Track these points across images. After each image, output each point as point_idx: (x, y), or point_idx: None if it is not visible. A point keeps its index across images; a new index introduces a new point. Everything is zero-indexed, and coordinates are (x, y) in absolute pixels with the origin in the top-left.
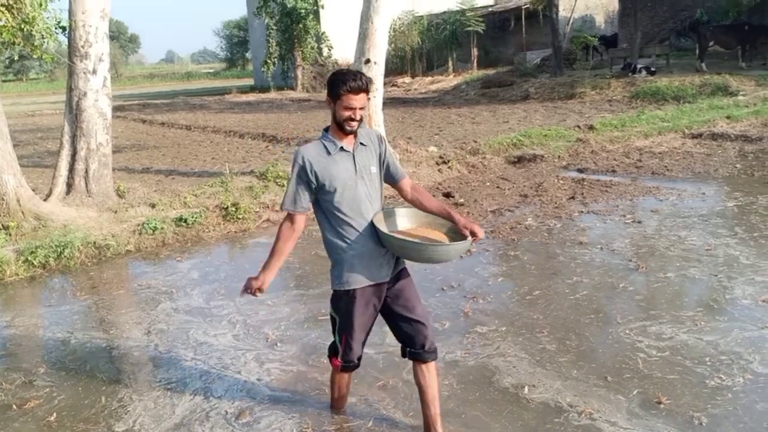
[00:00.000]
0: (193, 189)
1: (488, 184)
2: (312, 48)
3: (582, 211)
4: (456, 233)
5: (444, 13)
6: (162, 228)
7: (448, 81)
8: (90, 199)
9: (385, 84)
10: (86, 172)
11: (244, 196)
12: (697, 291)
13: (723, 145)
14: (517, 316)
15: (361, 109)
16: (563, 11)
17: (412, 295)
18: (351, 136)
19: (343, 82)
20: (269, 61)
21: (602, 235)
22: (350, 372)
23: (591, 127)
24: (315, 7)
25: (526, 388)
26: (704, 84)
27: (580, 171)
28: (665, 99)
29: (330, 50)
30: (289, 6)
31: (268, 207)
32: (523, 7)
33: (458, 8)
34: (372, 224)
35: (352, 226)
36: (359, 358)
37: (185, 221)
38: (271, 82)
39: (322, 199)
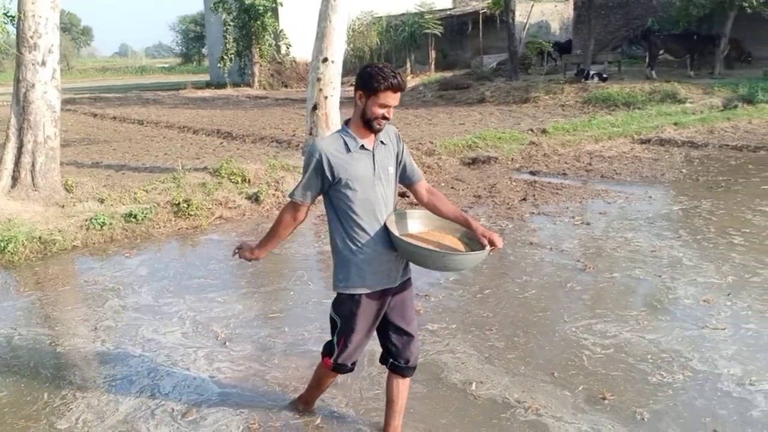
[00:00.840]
0: (144, 184)
1: (443, 184)
2: (270, 45)
3: (533, 213)
4: (471, 239)
5: (403, 14)
6: (110, 223)
7: (407, 82)
8: (36, 194)
9: (342, 83)
10: (33, 165)
11: (197, 193)
12: (642, 291)
13: (670, 150)
14: (468, 314)
15: (393, 108)
16: (519, 17)
17: (411, 307)
18: (373, 135)
19: (384, 78)
20: (226, 57)
21: (552, 236)
22: (340, 373)
23: (544, 131)
24: (273, 5)
25: (474, 385)
26: (654, 91)
27: (532, 173)
28: (616, 105)
29: (288, 48)
30: (247, 2)
31: (221, 204)
32: (481, 12)
33: (417, 10)
34: (384, 227)
35: (364, 228)
36: (354, 363)
37: (135, 217)
38: (228, 79)
39: (335, 197)
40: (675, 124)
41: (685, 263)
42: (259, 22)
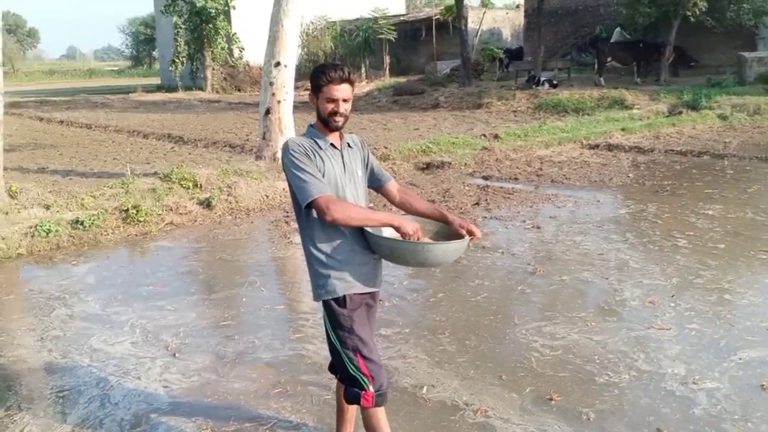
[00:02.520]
0: (92, 190)
1: None
2: (222, 48)
3: (486, 217)
4: (447, 237)
5: (357, 19)
6: (56, 230)
7: (361, 87)
8: None
9: (297, 88)
10: None
11: (146, 198)
12: (590, 293)
13: (618, 155)
14: (421, 318)
15: (345, 101)
16: (472, 23)
17: (373, 320)
18: (337, 134)
19: (323, 73)
20: (177, 61)
21: (504, 240)
22: (385, 403)
23: (496, 136)
24: (226, 8)
25: (425, 388)
26: (602, 97)
27: (485, 178)
28: (566, 111)
29: (241, 51)
30: (198, 5)
31: (171, 209)
32: (434, 18)
33: (371, 15)
34: (360, 229)
35: (339, 230)
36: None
37: (82, 223)
38: (179, 82)
39: None
40: (622, 129)
41: (632, 266)
42: (211, 26)
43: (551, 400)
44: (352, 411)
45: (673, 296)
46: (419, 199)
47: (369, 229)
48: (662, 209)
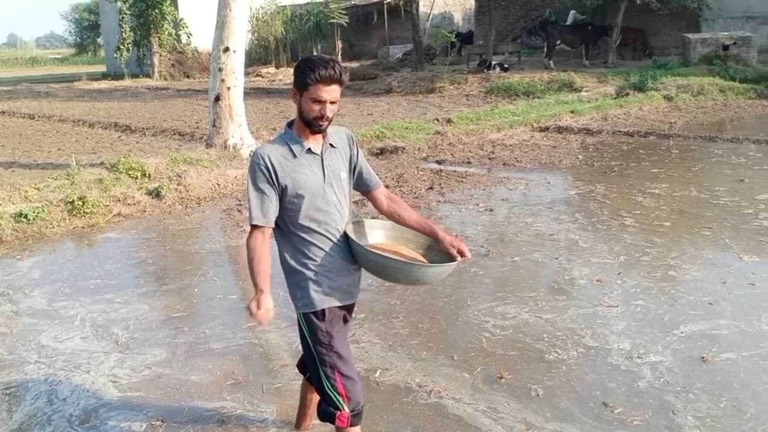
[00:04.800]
0: (36, 182)
1: None
2: (169, 34)
3: (440, 201)
4: (428, 249)
5: (308, 3)
6: None
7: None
8: None
9: (248, 74)
10: None
11: (93, 190)
12: (541, 273)
13: (567, 137)
14: (376, 302)
15: (332, 103)
16: (423, 7)
17: (349, 325)
18: (319, 136)
19: (311, 70)
20: (123, 48)
21: (458, 223)
22: (361, 421)
23: (449, 121)
24: None
25: (378, 372)
26: (552, 80)
27: (438, 162)
28: (517, 94)
29: (189, 37)
30: None
31: (119, 200)
32: (385, 2)
33: (322, 0)
34: (343, 237)
35: (315, 242)
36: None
37: (26, 217)
38: (126, 70)
39: (282, 208)
40: (572, 112)
41: (581, 245)
42: (157, 11)
43: (501, 378)
44: (314, 407)
45: (619, 274)
46: (409, 209)
47: (356, 241)
48: (610, 189)
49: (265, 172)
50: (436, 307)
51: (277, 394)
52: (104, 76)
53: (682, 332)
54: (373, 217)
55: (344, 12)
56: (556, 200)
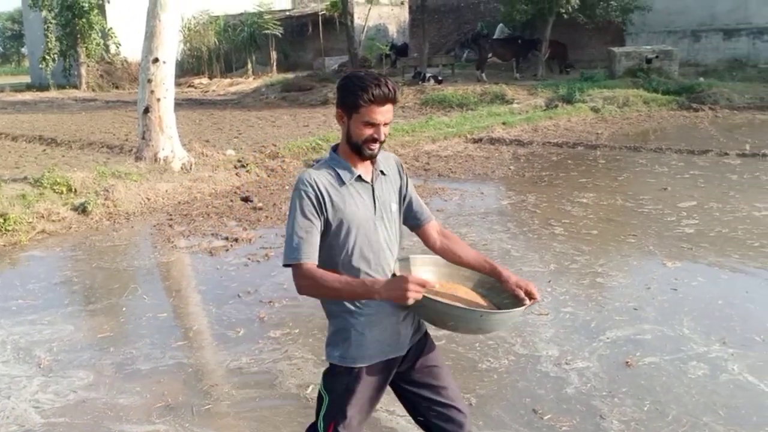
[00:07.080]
0: None
1: (287, 188)
2: (97, 44)
3: None
4: (488, 289)
5: (241, 14)
6: None
7: (248, 83)
8: None
9: (180, 84)
10: None
11: (15, 206)
12: None
13: (500, 148)
14: (311, 317)
15: (386, 125)
16: (358, 19)
17: (443, 369)
18: (368, 162)
19: (363, 89)
20: (48, 58)
21: None
22: None
23: None
24: (100, 1)
25: (310, 388)
26: (484, 93)
27: None
28: (451, 106)
29: (118, 47)
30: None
31: (43, 217)
32: (320, 14)
33: (255, 10)
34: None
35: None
36: None
37: None
38: (51, 80)
39: (327, 243)
40: (503, 123)
41: (513, 254)
42: (84, 20)
43: None
44: None
45: (549, 282)
46: (465, 245)
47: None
48: (541, 199)
49: (314, 201)
50: None
51: (207, 416)
52: (29, 87)
53: (608, 338)
54: (421, 252)
55: (279, 23)
56: (490, 210)
